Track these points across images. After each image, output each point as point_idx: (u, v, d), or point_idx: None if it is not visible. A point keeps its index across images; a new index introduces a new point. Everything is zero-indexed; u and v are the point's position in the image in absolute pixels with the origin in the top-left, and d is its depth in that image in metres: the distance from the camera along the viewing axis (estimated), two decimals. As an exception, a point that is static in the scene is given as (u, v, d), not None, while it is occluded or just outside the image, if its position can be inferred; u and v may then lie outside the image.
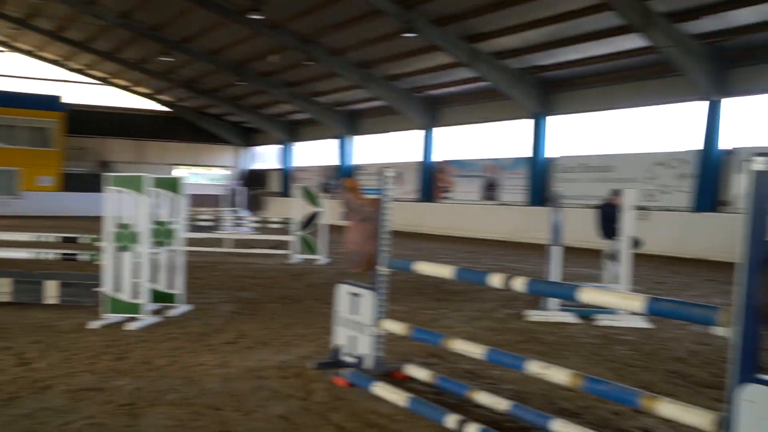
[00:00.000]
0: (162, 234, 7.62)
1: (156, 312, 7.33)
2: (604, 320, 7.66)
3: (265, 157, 41.72)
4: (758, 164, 2.87)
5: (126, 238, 6.91)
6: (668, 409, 3.23)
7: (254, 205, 34.20)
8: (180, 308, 7.69)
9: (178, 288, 7.76)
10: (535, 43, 19.70)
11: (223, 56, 28.70)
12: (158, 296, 7.51)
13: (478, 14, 18.68)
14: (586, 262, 14.45)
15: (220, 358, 5.70)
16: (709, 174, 17.54)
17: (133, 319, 6.87)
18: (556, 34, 18.69)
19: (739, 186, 16.94)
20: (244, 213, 21.94)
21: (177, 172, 39.92)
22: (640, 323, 7.52)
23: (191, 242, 14.14)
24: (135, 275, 6.96)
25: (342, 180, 6.10)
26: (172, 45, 28.05)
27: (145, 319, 6.93)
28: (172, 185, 7.81)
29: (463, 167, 25.96)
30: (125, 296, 6.92)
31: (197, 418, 4.21)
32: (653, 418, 4.27)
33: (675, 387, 5.12)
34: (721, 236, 15.66)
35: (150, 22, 26.73)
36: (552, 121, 22.48)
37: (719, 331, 3.04)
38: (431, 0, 18.63)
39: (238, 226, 17.27)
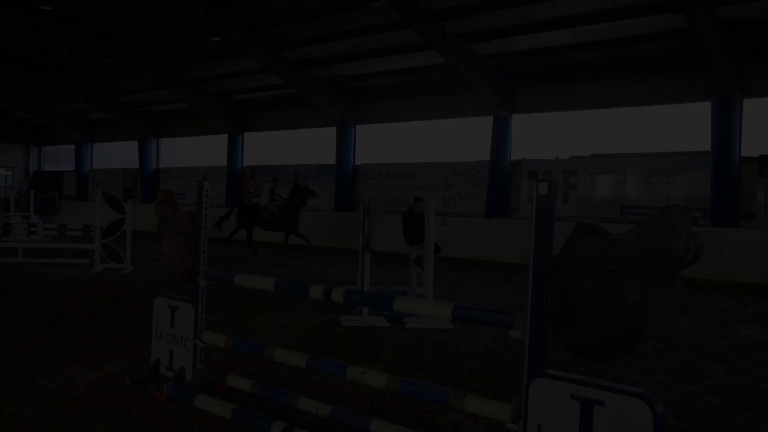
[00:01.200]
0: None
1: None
2: (412, 323, 8.16)
3: (59, 157, 38.70)
4: (542, 189, 3.35)
5: None
6: (473, 404, 3.64)
7: (47, 209, 31.69)
8: (-30, 327, 7.09)
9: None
10: (340, 54, 20.21)
11: (6, 47, 26.25)
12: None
13: (284, 22, 18.82)
14: (393, 266, 15.18)
15: (23, 379, 5.37)
16: (500, 183, 19.11)
17: None
18: (360, 47, 19.36)
19: (525, 194, 18.71)
20: (34, 218, 20.29)
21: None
22: (444, 325, 8.12)
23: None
24: None
25: (157, 192, 6.01)
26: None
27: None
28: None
29: (272, 173, 25.95)
30: None
31: (5, 446, 4.00)
32: (460, 412, 4.73)
33: (478, 383, 5.66)
34: (512, 240, 17.16)
35: None
36: (358, 130, 23.24)
37: (514, 333, 3.49)
38: (238, 5, 18.54)
39: (30, 234, 15.96)
